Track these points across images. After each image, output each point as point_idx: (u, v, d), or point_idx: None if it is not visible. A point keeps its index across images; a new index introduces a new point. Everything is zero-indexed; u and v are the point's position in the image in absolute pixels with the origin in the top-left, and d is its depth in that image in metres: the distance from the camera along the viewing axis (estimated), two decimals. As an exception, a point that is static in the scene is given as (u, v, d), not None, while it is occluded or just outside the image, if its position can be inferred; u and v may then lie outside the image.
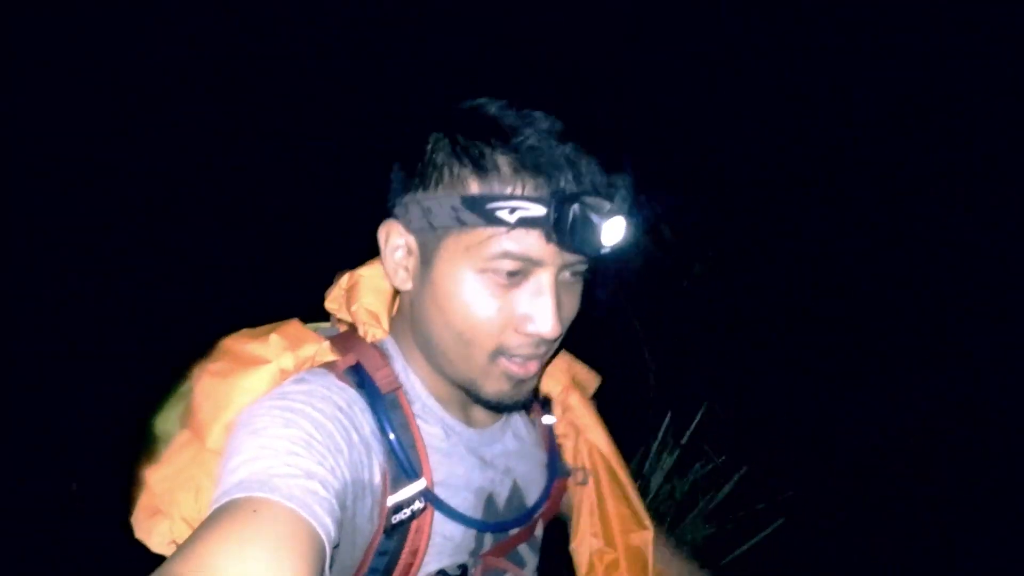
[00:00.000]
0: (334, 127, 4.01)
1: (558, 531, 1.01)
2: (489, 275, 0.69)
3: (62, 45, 3.51)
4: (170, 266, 3.82)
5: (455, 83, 3.54)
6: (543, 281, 0.70)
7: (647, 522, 0.94)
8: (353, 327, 0.82)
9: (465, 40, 3.77)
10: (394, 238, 0.75)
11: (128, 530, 0.69)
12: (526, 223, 0.66)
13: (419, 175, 0.71)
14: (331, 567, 0.61)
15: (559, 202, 0.65)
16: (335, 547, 0.61)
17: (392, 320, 0.84)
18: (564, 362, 0.98)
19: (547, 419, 0.95)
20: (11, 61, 3.34)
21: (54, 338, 3.50)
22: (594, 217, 0.65)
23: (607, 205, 0.66)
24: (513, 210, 0.65)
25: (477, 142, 0.68)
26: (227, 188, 3.98)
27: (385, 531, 0.71)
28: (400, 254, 0.75)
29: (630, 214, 0.69)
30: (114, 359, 3.44)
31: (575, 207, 0.64)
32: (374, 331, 0.80)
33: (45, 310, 3.58)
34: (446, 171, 0.69)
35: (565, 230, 0.65)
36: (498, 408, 0.78)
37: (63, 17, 3.43)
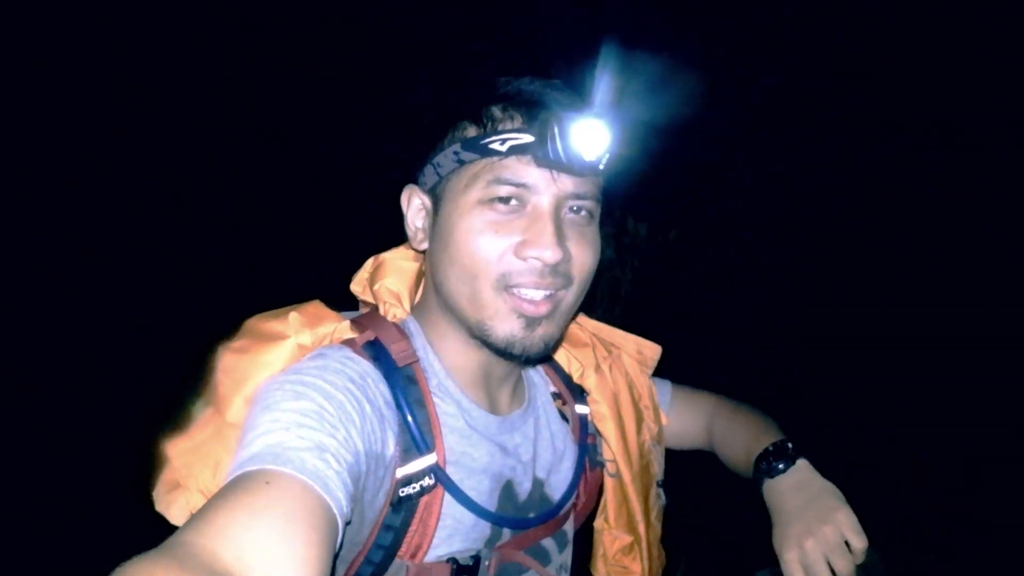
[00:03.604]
0: (358, 123, 4.02)
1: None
2: (487, 205, 0.73)
3: (62, 45, 3.51)
4: (173, 262, 3.83)
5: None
6: (541, 206, 0.74)
7: (639, 528, 0.94)
8: (376, 308, 0.84)
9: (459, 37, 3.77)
10: (414, 200, 0.82)
11: (132, 512, 0.71)
12: (516, 150, 0.72)
13: (431, 141, 0.78)
14: (341, 543, 0.60)
15: (542, 125, 0.71)
16: (347, 523, 0.61)
17: (417, 302, 0.86)
18: (591, 341, 0.98)
19: (580, 409, 0.94)
20: (11, 61, 3.34)
21: (67, 333, 3.51)
22: (572, 128, 0.70)
23: (582, 116, 0.71)
24: (504, 141, 0.72)
25: (475, 101, 0.76)
26: (236, 185, 3.98)
27: (392, 504, 0.71)
28: (420, 216, 0.81)
29: (609, 125, 0.73)
30: (122, 352, 3.45)
31: (553, 122, 0.70)
32: (395, 310, 0.82)
33: (61, 305, 3.59)
34: (450, 129, 0.77)
35: (548, 147, 0.70)
36: (511, 356, 0.76)
37: (63, 17, 3.43)
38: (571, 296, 0.77)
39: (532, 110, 0.74)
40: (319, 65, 3.95)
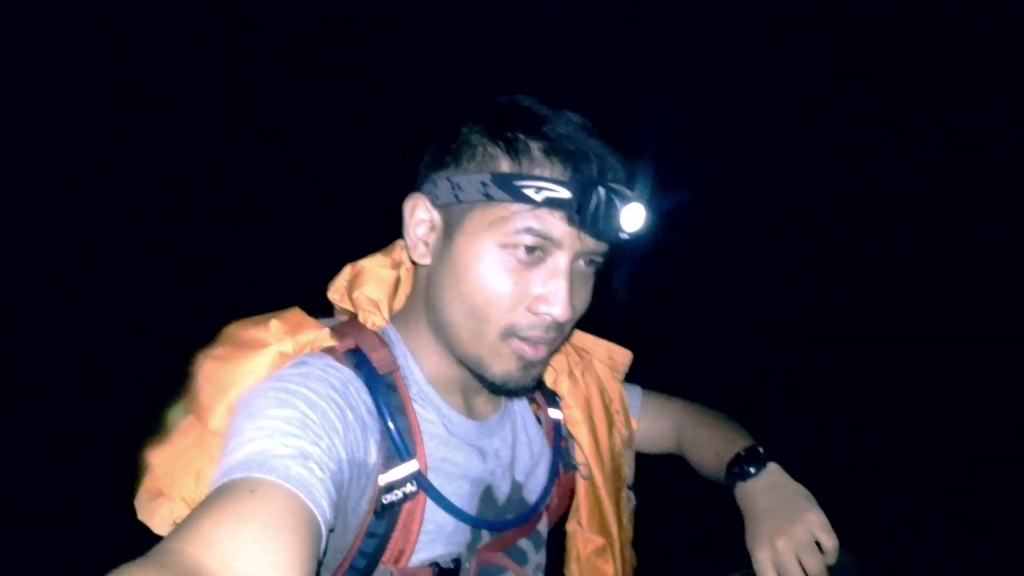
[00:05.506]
0: (343, 126, 4.02)
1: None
2: (509, 251, 0.71)
3: (62, 45, 3.51)
4: (173, 262, 3.83)
5: (474, 82, 3.56)
6: (559, 264, 0.73)
7: (612, 530, 0.95)
8: (354, 316, 0.83)
9: (479, 40, 3.77)
10: (419, 212, 0.78)
11: (132, 513, 0.70)
12: (551, 203, 0.69)
13: (451, 154, 0.75)
14: (325, 551, 0.60)
15: (584, 186, 0.69)
16: (331, 531, 0.61)
17: (396, 309, 0.86)
18: (568, 348, 0.98)
19: (554, 413, 0.95)
20: (11, 61, 3.34)
21: (67, 332, 3.51)
22: (616, 202, 0.69)
23: (629, 192, 0.70)
24: (539, 190, 0.69)
25: (510, 127, 0.73)
26: (236, 185, 3.98)
27: (376, 512, 0.71)
28: (423, 229, 0.78)
29: (649, 204, 0.72)
30: (122, 352, 3.45)
31: (600, 191, 0.69)
32: (374, 318, 0.82)
33: (61, 305, 3.58)
34: (479, 150, 0.73)
35: (588, 213, 0.69)
36: (503, 390, 0.78)
37: (63, 17, 3.43)
38: (562, 338, 0.78)
39: (573, 161, 0.71)
40: (319, 65, 3.95)
